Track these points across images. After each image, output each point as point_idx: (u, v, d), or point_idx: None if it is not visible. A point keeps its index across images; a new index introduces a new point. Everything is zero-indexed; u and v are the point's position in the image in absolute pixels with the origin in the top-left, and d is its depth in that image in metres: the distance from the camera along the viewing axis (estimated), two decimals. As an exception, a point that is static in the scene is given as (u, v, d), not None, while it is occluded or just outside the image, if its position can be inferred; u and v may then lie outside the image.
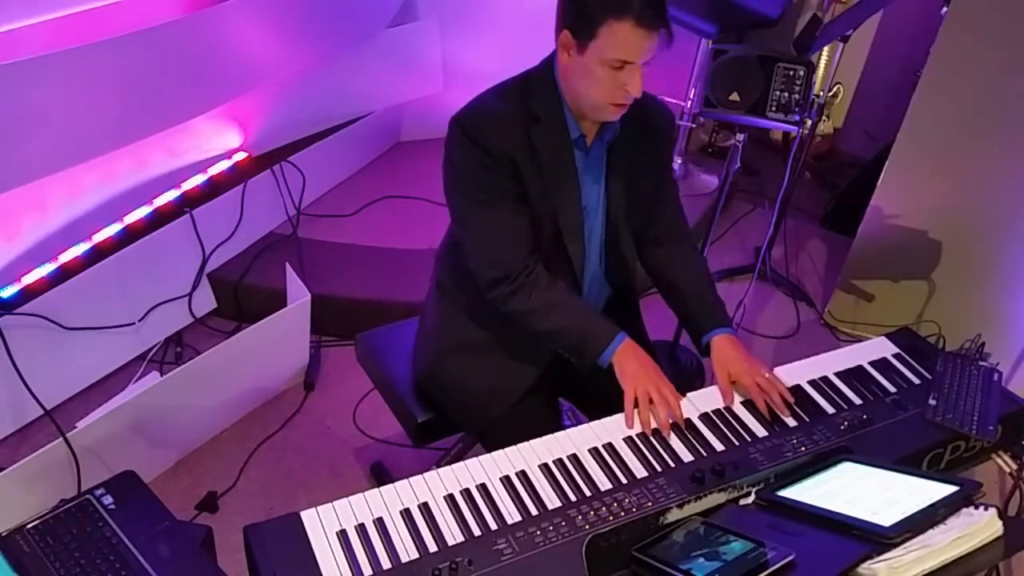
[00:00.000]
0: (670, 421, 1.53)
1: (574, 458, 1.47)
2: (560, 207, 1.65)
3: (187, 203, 2.83)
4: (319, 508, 1.35)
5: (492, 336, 1.77)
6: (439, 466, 1.47)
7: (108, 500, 1.51)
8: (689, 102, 3.68)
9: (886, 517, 1.23)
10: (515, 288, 1.62)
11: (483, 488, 1.41)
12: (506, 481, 1.42)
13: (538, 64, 1.63)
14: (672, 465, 1.47)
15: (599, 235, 1.75)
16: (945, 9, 2.61)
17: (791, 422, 1.58)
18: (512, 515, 1.36)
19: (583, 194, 1.67)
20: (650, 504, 1.37)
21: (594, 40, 1.46)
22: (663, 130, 1.76)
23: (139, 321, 2.65)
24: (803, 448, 1.51)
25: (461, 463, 1.46)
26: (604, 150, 1.68)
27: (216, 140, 3.05)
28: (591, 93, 1.53)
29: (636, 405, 1.56)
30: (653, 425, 1.53)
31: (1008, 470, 1.63)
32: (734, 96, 2.31)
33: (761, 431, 1.56)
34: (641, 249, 1.83)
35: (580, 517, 1.34)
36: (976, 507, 1.24)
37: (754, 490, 1.44)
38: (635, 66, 1.48)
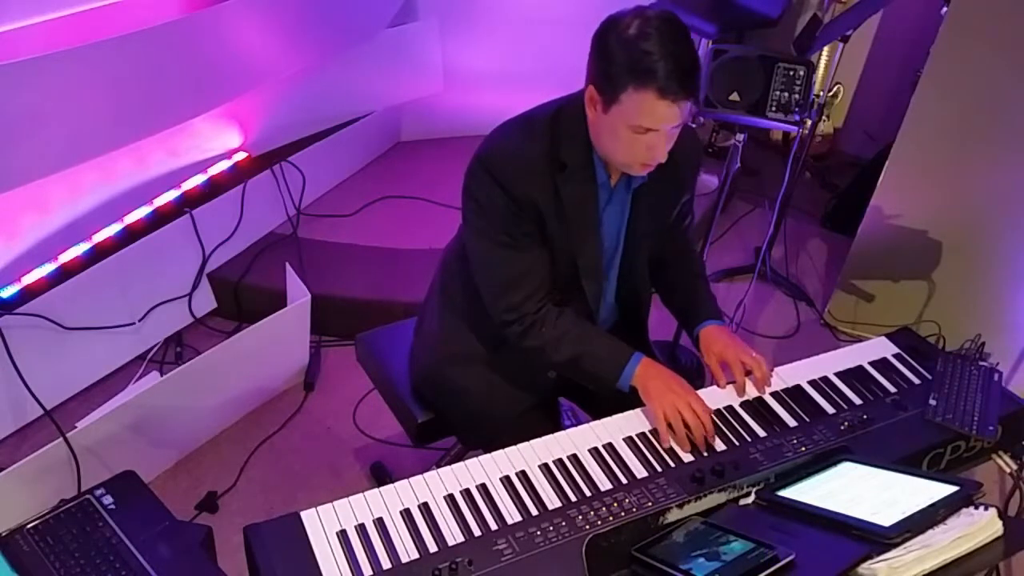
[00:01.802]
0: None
1: (574, 458, 1.48)
2: (580, 250, 1.62)
3: (187, 203, 2.83)
4: (319, 508, 1.35)
5: (495, 349, 1.75)
6: (439, 466, 1.47)
7: (108, 500, 1.52)
8: (689, 102, 3.67)
9: (886, 517, 1.23)
10: (526, 328, 1.60)
11: (483, 488, 1.41)
12: (506, 481, 1.42)
13: (570, 98, 1.56)
14: (672, 465, 1.47)
15: (615, 270, 1.74)
16: (945, 9, 2.61)
17: (791, 422, 1.58)
18: (512, 515, 1.36)
19: (603, 235, 1.64)
20: (650, 504, 1.38)
21: (616, 104, 1.42)
22: (690, 165, 1.71)
23: (139, 321, 2.65)
24: (803, 448, 1.51)
25: (461, 463, 1.46)
26: (628, 193, 1.65)
27: (216, 140, 3.05)
28: (616, 152, 1.50)
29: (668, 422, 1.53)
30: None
31: (1008, 470, 1.63)
32: (734, 96, 2.31)
33: (761, 431, 1.56)
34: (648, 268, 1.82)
35: (580, 517, 1.35)
36: (976, 507, 1.24)
37: (754, 490, 1.44)
38: (660, 132, 1.43)
